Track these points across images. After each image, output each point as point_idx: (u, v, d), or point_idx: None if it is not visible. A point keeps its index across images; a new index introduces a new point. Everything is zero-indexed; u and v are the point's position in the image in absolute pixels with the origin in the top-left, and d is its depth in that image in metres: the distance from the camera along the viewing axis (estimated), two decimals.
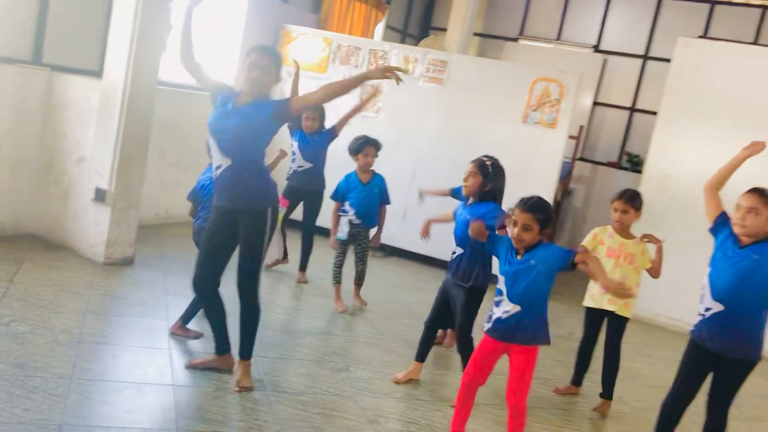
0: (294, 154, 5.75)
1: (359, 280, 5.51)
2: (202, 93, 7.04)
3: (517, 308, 3.20)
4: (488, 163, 4.05)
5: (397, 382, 4.10)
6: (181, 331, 4.17)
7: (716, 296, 3.30)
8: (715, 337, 3.32)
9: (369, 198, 5.38)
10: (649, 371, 5.32)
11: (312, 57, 7.78)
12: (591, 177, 9.87)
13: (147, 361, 3.74)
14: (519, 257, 3.23)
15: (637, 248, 4.16)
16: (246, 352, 3.68)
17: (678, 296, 6.24)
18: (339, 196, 5.35)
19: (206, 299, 3.76)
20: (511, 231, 3.23)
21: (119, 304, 4.52)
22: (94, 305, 4.37)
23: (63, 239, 5.39)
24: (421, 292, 6.33)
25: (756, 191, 3.27)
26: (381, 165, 5.62)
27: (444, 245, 7.19)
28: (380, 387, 4.01)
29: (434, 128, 7.30)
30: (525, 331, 3.22)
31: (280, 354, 4.23)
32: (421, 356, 4.24)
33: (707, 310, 3.34)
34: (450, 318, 4.25)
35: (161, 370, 3.66)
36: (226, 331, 3.79)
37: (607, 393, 4.28)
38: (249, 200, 3.55)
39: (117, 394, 3.32)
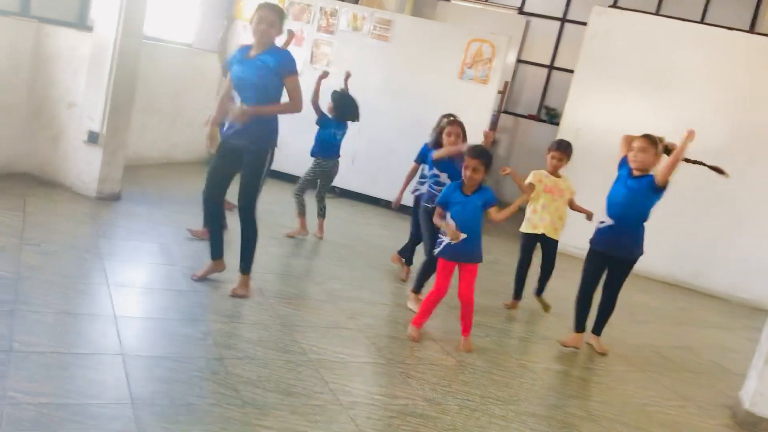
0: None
1: (322, 211, 6.32)
2: (166, 44, 7.65)
3: (464, 235, 4.22)
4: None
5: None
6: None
7: (610, 213, 4.56)
8: (606, 243, 4.61)
9: (330, 136, 6.22)
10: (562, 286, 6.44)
11: None
12: (513, 128, 10.94)
13: (162, 273, 4.52)
14: (467, 194, 4.22)
15: (564, 184, 5.20)
16: (244, 268, 4.47)
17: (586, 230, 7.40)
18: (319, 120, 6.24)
19: (210, 211, 4.52)
20: (465, 173, 4.19)
21: (122, 231, 5.23)
22: (102, 231, 5.07)
23: (55, 177, 5.98)
24: (371, 227, 7.27)
25: (645, 136, 4.37)
26: None
27: (387, 187, 8.13)
28: (351, 295, 4.93)
29: (380, 81, 8.12)
30: (470, 252, 4.29)
31: (270, 270, 5.07)
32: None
33: (602, 222, 4.62)
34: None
35: (176, 280, 4.44)
36: (220, 240, 4.57)
37: (540, 290, 5.43)
38: (255, 140, 4.29)
39: (150, 296, 4.10)
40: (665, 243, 7.06)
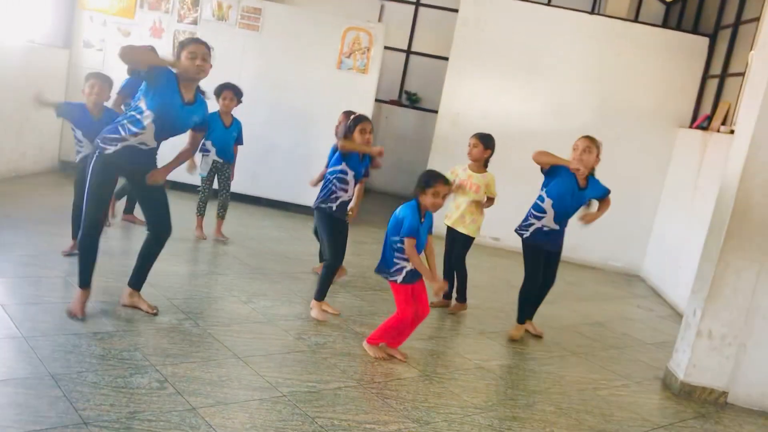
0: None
1: (222, 211, 6.12)
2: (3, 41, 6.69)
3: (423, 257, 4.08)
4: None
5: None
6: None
7: (556, 221, 4.76)
8: (550, 242, 4.77)
9: (228, 139, 5.93)
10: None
11: (117, 2, 7.63)
12: (377, 114, 10.84)
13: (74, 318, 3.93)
14: (422, 220, 4.02)
15: (483, 180, 5.15)
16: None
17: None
18: None
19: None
20: (432, 200, 3.92)
21: (6, 266, 4.49)
22: None
23: None
24: (266, 230, 6.92)
25: (586, 137, 4.54)
26: None
27: (268, 185, 7.79)
28: (286, 312, 4.62)
29: (252, 73, 7.67)
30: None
31: (188, 294, 4.61)
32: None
33: (545, 227, 4.79)
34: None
35: (96, 321, 3.89)
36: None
37: (461, 298, 5.33)
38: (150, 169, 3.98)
39: (76, 347, 3.52)
40: None
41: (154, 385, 3.25)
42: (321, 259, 5.46)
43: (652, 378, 4.69)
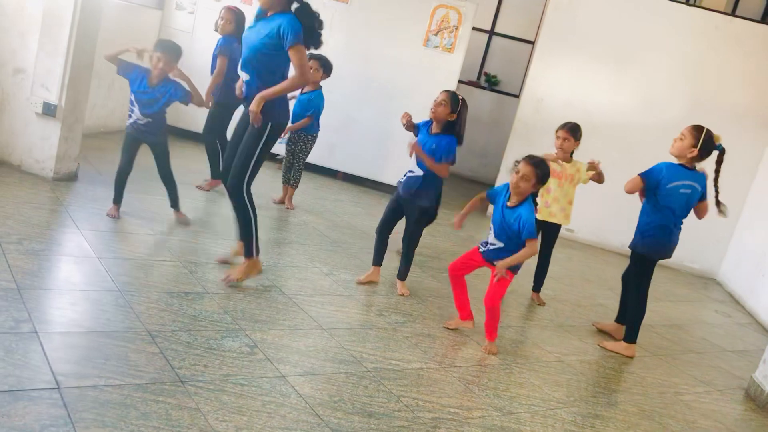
0: None
1: (293, 181, 6.22)
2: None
3: (501, 244, 4.02)
4: (459, 96, 4.46)
5: (360, 283, 4.65)
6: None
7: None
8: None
9: (301, 108, 5.90)
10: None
11: None
12: None
13: (173, 275, 4.00)
14: (510, 204, 3.95)
15: (573, 168, 5.05)
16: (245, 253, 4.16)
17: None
18: None
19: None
20: (513, 177, 3.90)
21: (100, 221, 4.60)
22: (79, 221, 4.44)
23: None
24: (342, 204, 6.94)
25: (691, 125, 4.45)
26: None
27: (345, 158, 7.80)
28: (366, 287, 4.63)
29: (339, 46, 7.65)
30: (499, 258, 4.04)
31: (272, 261, 4.66)
32: (378, 261, 4.75)
33: None
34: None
35: (188, 281, 3.96)
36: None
37: (537, 287, 5.28)
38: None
39: (171, 305, 3.61)
40: (623, 216, 7.19)
41: (245, 350, 3.30)
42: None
43: (735, 387, 4.54)
